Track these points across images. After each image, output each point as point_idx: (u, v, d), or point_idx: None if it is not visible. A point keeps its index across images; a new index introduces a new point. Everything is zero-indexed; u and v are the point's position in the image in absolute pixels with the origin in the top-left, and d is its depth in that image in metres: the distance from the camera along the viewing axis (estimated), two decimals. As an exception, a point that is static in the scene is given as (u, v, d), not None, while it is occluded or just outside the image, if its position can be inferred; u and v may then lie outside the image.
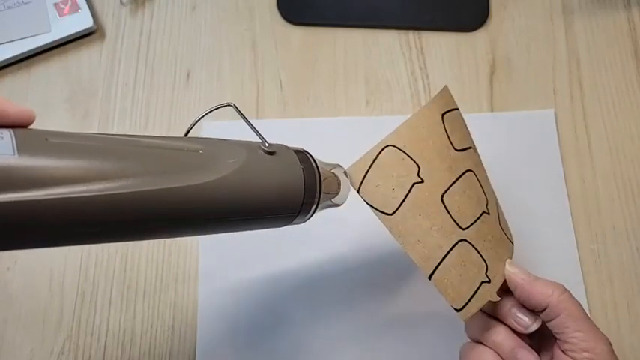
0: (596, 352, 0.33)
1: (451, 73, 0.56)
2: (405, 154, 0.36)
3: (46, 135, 0.22)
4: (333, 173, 0.35)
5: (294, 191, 0.31)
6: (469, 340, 0.38)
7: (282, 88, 0.55)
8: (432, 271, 0.35)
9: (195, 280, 0.48)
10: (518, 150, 0.52)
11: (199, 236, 0.49)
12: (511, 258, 0.38)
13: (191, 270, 0.49)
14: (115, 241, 0.27)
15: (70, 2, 0.56)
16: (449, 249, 0.35)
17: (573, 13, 0.58)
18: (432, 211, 0.35)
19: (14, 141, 0.21)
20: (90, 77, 0.55)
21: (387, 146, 0.36)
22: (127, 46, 0.56)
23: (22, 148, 0.21)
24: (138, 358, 0.47)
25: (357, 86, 0.55)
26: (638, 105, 0.54)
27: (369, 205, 0.36)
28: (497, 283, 0.36)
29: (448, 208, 0.36)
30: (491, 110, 0.54)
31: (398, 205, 0.35)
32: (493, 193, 0.41)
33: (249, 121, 0.32)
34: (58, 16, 0.55)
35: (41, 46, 0.55)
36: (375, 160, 0.36)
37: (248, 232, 0.32)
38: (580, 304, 0.35)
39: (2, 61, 0.54)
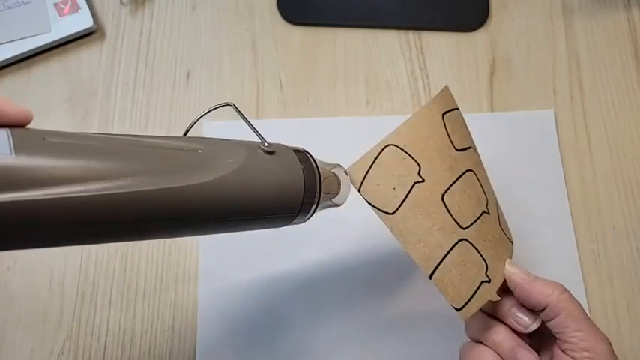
0: (596, 352, 0.33)
1: (451, 73, 0.56)
2: (406, 153, 0.36)
3: (44, 134, 0.22)
4: (333, 173, 0.35)
5: (294, 191, 0.31)
6: (469, 339, 0.38)
7: (282, 88, 0.55)
8: (432, 270, 0.35)
9: (195, 280, 0.48)
10: (518, 150, 0.52)
11: (199, 236, 0.49)
12: (511, 258, 0.38)
13: (191, 270, 0.49)
14: (114, 241, 0.27)
15: (70, 2, 0.56)
16: (449, 248, 0.35)
17: (573, 13, 0.58)
18: (433, 211, 0.35)
19: (11, 140, 0.21)
20: (90, 77, 0.55)
21: (388, 145, 0.36)
22: (127, 46, 0.56)
23: (19, 148, 0.21)
24: (138, 358, 0.47)
25: (357, 86, 0.55)
26: (638, 105, 0.54)
27: (369, 204, 0.36)
28: (497, 283, 0.36)
29: (449, 207, 0.36)
30: (491, 110, 0.54)
31: (399, 204, 0.35)
32: (493, 192, 0.41)
33: (249, 121, 0.32)
34: (58, 16, 0.55)
35: (41, 46, 0.55)
36: (376, 159, 0.36)
37: (248, 232, 0.32)
38: (580, 304, 0.35)
39: (2, 61, 0.54)
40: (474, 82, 0.55)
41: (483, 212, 0.37)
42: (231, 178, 0.28)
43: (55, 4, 0.56)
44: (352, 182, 0.37)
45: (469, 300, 0.35)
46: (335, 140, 0.52)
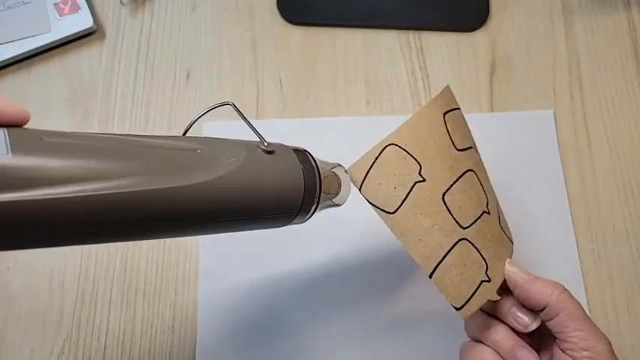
0: (596, 352, 0.33)
1: (451, 73, 0.56)
2: (407, 152, 0.36)
3: (41, 134, 0.22)
4: (333, 172, 0.35)
5: (294, 191, 0.31)
6: (469, 339, 0.38)
7: (282, 88, 0.55)
8: (432, 270, 0.35)
9: (195, 280, 0.48)
10: (518, 150, 0.52)
11: (199, 236, 0.49)
12: (511, 257, 0.38)
13: (191, 270, 0.49)
14: (113, 241, 0.27)
15: (70, 2, 0.56)
16: (449, 248, 0.35)
17: (573, 13, 0.58)
18: (433, 210, 0.35)
19: (8, 140, 0.21)
20: (90, 77, 0.55)
21: (389, 145, 0.36)
22: (127, 46, 0.56)
23: (16, 147, 0.21)
24: (138, 358, 0.46)
25: (357, 86, 0.55)
26: (638, 105, 0.54)
27: (370, 203, 0.36)
28: (497, 283, 0.36)
29: (449, 207, 0.36)
30: (491, 110, 0.54)
31: (399, 203, 0.35)
32: (493, 192, 0.41)
33: (249, 120, 0.32)
34: (58, 16, 0.55)
35: (41, 46, 0.55)
36: (377, 158, 0.36)
37: (248, 232, 0.32)
38: (579, 304, 0.35)
39: (2, 61, 0.54)
40: (473, 82, 0.55)
41: (484, 212, 0.37)
42: (231, 177, 0.28)
43: (55, 4, 0.56)
44: (353, 181, 0.37)
45: (469, 299, 0.35)
46: (335, 140, 0.52)
